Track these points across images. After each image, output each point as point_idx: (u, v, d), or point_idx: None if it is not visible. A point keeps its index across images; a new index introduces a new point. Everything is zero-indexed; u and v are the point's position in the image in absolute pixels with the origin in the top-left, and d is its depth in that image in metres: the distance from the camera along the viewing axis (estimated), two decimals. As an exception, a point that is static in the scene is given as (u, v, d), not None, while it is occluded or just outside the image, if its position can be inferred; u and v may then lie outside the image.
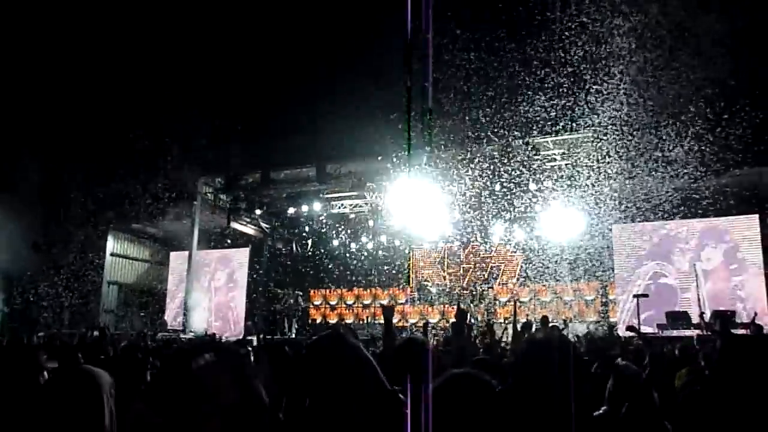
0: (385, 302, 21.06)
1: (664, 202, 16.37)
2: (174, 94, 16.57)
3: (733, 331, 12.13)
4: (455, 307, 18.89)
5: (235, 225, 21.15)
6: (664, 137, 14.06)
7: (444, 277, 21.26)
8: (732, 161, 13.81)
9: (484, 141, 15.94)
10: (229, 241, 22.55)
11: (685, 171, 14.37)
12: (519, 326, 13.54)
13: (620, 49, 13.34)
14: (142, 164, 18.14)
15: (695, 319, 13.73)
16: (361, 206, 20.86)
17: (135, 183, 19.17)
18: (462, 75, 14.41)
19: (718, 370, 2.65)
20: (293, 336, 19.02)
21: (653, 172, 14.81)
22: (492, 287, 20.05)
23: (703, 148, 13.93)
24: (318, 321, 22.44)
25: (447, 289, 20.84)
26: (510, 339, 13.80)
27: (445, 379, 1.68)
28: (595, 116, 14.42)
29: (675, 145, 14.17)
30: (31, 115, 17.89)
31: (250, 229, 22.04)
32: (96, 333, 13.57)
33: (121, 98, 18.23)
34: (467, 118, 15.74)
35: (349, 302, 22.77)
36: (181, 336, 18.07)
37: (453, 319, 10.97)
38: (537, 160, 16.19)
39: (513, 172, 16.56)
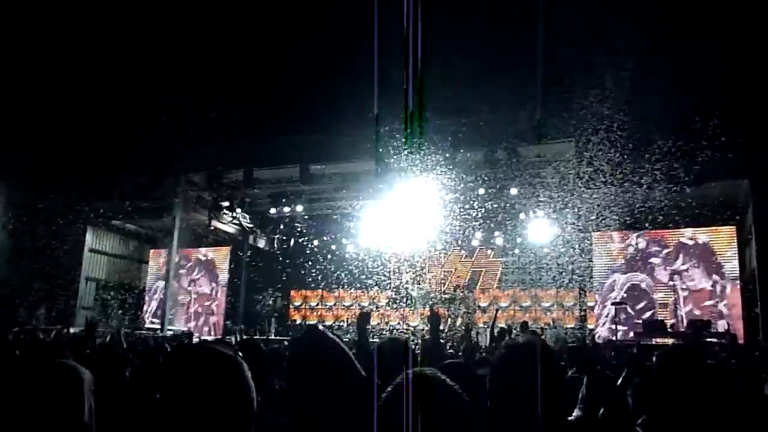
0: (365, 305, 21.09)
1: (644, 210, 16.58)
2: (157, 89, 16.47)
3: (708, 340, 12.35)
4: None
5: (216, 223, 21.04)
6: (645, 146, 14.25)
7: (425, 281, 21.32)
8: (709, 172, 14.05)
9: (468, 147, 16.07)
10: (209, 240, 22.42)
11: (665, 181, 14.57)
12: (496, 331, 13.67)
13: (603, 58, 13.51)
14: (124, 160, 18.00)
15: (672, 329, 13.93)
16: (344, 208, 20.85)
17: (116, 178, 19.02)
18: (447, 78, 14.50)
19: (657, 375, 2.72)
20: (272, 336, 18.98)
21: (636, 181, 15.01)
22: (472, 292, 20.14)
23: (682, 158, 14.15)
24: (297, 322, 22.38)
25: (428, 293, 20.89)
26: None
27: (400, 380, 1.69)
28: (577, 125, 14.59)
29: (656, 155, 14.37)
30: (9, 106, 17.66)
31: (231, 228, 21.94)
32: (72, 330, 13.44)
33: (105, 92, 18.09)
34: (452, 123, 15.86)
35: (330, 304, 22.76)
36: (160, 334, 17.95)
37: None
38: (519, 166, 16.32)
39: (496, 178, 16.70)
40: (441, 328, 5.53)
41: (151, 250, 24.15)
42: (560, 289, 19.26)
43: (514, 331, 14.04)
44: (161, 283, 21.90)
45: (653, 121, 13.74)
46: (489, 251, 20.32)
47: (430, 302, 20.52)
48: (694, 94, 12.91)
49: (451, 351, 9.62)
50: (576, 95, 13.89)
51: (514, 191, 16.78)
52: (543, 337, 15.55)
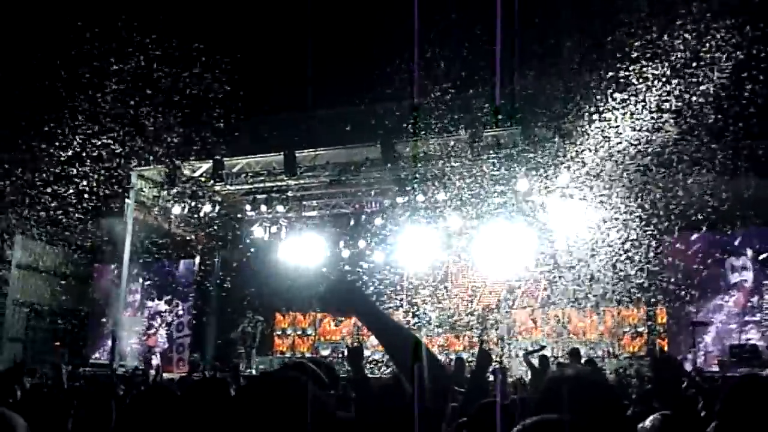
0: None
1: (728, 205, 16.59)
2: (101, 61, 16.52)
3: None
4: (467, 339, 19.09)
5: (178, 230, 21.06)
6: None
7: (446, 300, 21.26)
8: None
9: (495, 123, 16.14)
10: (170, 251, 22.42)
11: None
12: (537, 361, 13.70)
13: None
14: (60, 151, 18.02)
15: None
16: (341, 206, 20.84)
17: (49, 175, 19.04)
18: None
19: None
20: (253, 372, 18.96)
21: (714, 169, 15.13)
22: (508, 312, 20.10)
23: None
24: (285, 353, 22.37)
25: (450, 315, 20.84)
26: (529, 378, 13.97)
27: None
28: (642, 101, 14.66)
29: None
30: None
31: (197, 235, 21.95)
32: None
33: (34, 65, 18.13)
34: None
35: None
36: (109, 372, 17.98)
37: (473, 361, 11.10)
38: (566, 150, 16.33)
39: (537, 161, 16.73)
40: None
41: (97, 266, 24.15)
42: (621, 305, 19.19)
43: (556, 361, 14.06)
44: (110, 307, 21.94)
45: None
46: (527, 260, 20.23)
47: (454, 327, 20.54)
48: None
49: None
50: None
51: (564, 179, 16.75)
52: (602, 369, 15.56)
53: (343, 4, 17.94)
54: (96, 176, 18.84)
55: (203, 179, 19.86)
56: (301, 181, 19.39)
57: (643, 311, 18.37)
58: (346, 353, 5.50)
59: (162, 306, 23.22)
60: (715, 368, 14.26)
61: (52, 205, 19.94)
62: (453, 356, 17.86)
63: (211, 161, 19.34)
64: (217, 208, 20.79)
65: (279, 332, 23.11)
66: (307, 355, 21.79)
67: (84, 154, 18.12)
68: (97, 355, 22.36)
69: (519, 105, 15.82)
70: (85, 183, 18.79)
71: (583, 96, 14.96)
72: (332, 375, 4.30)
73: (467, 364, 14.85)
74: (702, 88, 13.90)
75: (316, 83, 17.00)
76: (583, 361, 14.03)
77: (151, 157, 19.19)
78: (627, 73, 14.17)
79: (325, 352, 21.70)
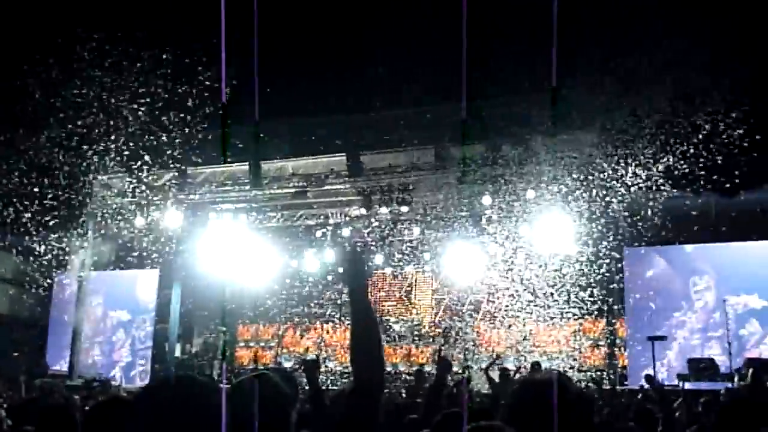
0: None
1: (686, 221, 16.83)
2: (59, 66, 16.31)
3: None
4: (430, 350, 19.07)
5: (140, 239, 20.82)
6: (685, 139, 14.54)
7: (410, 311, 21.28)
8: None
9: (465, 140, 16.14)
10: (133, 260, 22.15)
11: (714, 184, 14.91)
12: (497, 375, 13.73)
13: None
14: (17, 156, 17.75)
15: (724, 368, 14.05)
16: (306, 217, 20.77)
17: (7, 181, 18.71)
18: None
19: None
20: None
21: (673, 186, 15.32)
22: (470, 324, 20.14)
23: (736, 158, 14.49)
24: (247, 365, 22.18)
25: (414, 326, 20.85)
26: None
27: None
28: (604, 111, 14.78)
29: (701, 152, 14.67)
30: None
31: (160, 244, 21.72)
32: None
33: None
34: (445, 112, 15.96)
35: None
36: (68, 383, 17.71)
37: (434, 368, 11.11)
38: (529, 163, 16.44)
39: (500, 178, 16.80)
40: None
41: (57, 274, 23.80)
42: (583, 319, 19.34)
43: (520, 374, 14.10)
44: (70, 317, 21.58)
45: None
46: (492, 271, 20.30)
47: (419, 338, 20.55)
48: None
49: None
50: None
51: (531, 194, 16.87)
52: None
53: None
54: (57, 184, 18.58)
55: (167, 188, 19.67)
56: (267, 192, 19.29)
57: (603, 325, 18.50)
58: (301, 366, 5.55)
59: (125, 317, 22.92)
60: (676, 381, 14.38)
61: (11, 212, 19.62)
62: (415, 367, 17.93)
63: (174, 169, 19.16)
64: (181, 217, 20.59)
65: (241, 344, 22.95)
66: (271, 366, 21.64)
67: (44, 162, 17.88)
68: (57, 366, 21.95)
69: (485, 122, 15.84)
70: (45, 191, 18.52)
71: (544, 113, 15.04)
72: (294, 387, 4.23)
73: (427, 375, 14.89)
74: (664, 99, 14.04)
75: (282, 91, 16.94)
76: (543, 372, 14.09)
77: (114, 165, 18.97)
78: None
79: (287, 364, 21.55)
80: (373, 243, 19.74)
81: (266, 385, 2.63)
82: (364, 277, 2.79)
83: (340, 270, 2.74)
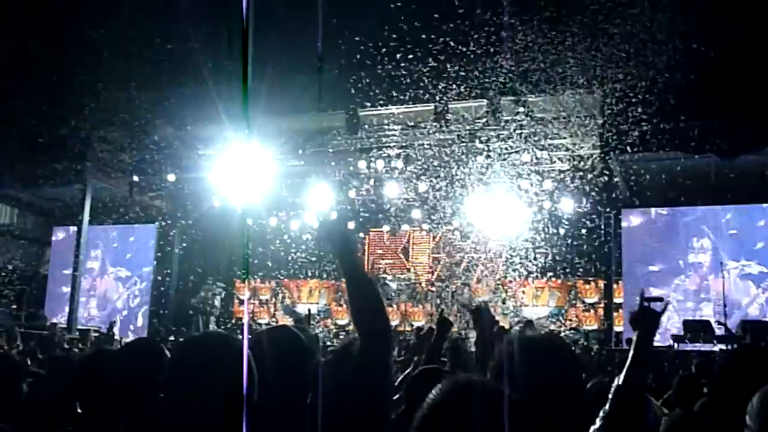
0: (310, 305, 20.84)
1: (689, 183, 16.77)
2: (59, 16, 16.11)
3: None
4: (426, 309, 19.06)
5: (138, 195, 20.74)
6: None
7: (408, 270, 21.27)
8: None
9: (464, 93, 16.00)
10: (131, 215, 22.10)
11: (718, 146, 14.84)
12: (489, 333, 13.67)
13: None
14: (16, 110, 17.57)
15: (720, 330, 14.04)
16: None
17: (6, 135, 18.55)
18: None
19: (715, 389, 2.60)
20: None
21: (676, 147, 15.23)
22: (468, 284, 20.13)
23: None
24: (243, 320, 22.20)
25: (411, 285, 20.86)
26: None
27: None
28: (606, 72, 14.59)
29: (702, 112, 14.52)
30: None
31: (158, 201, 21.65)
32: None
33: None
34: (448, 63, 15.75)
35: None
36: (66, 335, 17.71)
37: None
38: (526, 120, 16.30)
39: (497, 137, 16.67)
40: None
41: (55, 228, 23.81)
42: (579, 280, 19.33)
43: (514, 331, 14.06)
44: (69, 271, 21.58)
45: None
46: (488, 231, 20.23)
47: (415, 297, 20.55)
48: None
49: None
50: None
51: (526, 158, 16.77)
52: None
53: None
54: (55, 137, 18.43)
55: (167, 142, 19.50)
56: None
57: (601, 285, 18.46)
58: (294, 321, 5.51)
59: (123, 272, 22.96)
60: (670, 342, 14.40)
61: (9, 165, 19.52)
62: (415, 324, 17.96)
63: (173, 123, 18.97)
64: (179, 172, 20.44)
65: (238, 300, 22.99)
66: (267, 321, 21.70)
67: (43, 114, 17.71)
68: (55, 320, 22.00)
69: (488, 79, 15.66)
70: (43, 144, 18.37)
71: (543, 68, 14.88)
72: (313, 339, 4.14)
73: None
74: (657, 64, 13.83)
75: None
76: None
77: (114, 119, 18.81)
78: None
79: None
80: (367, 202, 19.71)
81: (285, 338, 2.67)
82: (350, 240, 2.67)
83: (325, 236, 2.63)
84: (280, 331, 2.81)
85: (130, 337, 19.31)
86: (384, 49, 14.77)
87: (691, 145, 15.18)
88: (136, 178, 20.25)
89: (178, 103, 18.45)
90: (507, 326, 14.87)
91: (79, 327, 19.49)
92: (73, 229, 21.40)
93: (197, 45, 16.14)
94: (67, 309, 20.59)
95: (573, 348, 2.52)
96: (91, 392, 2.95)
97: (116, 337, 18.42)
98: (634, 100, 14.39)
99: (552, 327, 18.45)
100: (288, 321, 17.84)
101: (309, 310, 17.95)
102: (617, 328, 16.65)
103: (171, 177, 20.03)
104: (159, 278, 22.23)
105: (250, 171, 19.17)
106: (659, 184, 17.14)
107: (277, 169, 18.41)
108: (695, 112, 14.48)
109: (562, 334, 17.33)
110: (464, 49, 14.65)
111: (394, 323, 19.51)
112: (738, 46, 13.57)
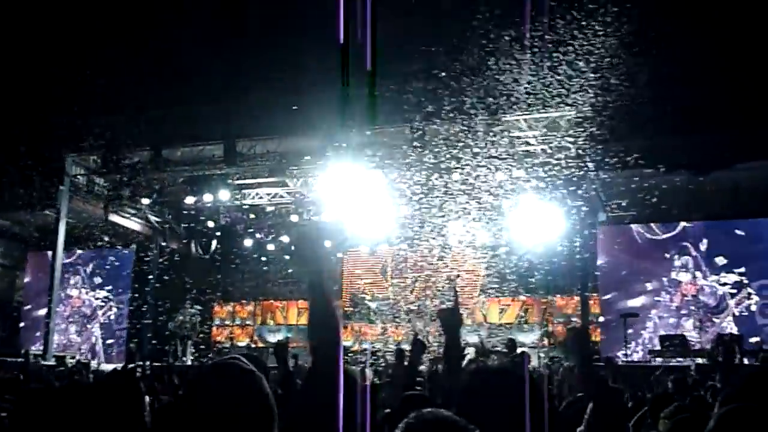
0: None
1: (663, 199, 16.88)
2: (35, 43, 16.07)
3: (741, 360, 12.53)
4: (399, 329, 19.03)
5: (114, 218, 20.64)
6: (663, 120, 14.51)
7: (386, 288, 21.26)
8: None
9: (441, 118, 16.04)
10: (106, 239, 22.00)
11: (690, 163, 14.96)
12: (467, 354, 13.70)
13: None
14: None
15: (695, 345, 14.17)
16: (281, 196, 20.64)
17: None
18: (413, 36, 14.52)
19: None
20: (188, 362, 18.75)
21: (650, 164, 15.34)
22: (445, 303, 20.11)
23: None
24: (222, 343, 22.13)
25: (390, 304, 20.84)
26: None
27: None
28: (580, 91, 14.71)
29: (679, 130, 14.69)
30: None
31: (134, 224, 21.54)
32: None
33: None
34: (420, 88, 15.80)
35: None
36: (42, 363, 17.54)
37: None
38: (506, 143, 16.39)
39: (476, 158, 16.71)
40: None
41: (30, 253, 23.61)
42: (557, 296, 19.42)
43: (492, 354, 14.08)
44: (43, 297, 21.39)
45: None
46: (468, 250, 20.30)
47: (394, 316, 20.53)
48: None
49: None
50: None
51: (502, 176, 16.82)
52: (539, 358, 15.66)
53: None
54: (29, 162, 18.36)
55: (141, 167, 19.43)
56: (241, 170, 19.13)
57: (577, 301, 18.54)
58: (273, 349, 5.57)
59: (100, 296, 22.81)
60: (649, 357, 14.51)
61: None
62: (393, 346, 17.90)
63: (148, 149, 18.92)
64: (155, 196, 20.44)
65: (217, 323, 22.92)
66: (247, 344, 21.67)
67: (17, 139, 17.66)
68: (33, 348, 21.79)
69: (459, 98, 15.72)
70: (18, 168, 18.30)
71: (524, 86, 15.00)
72: (262, 368, 4.11)
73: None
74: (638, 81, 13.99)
75: (258, 78, 16.84)
76: (519, 350, 14.13)
77: (88, 143, 18.74)
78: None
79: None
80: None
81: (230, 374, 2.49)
82: (321, 260, 2.64)
83: (297, 253, 2.58)
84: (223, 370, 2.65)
85: (107, 365, 19.21)
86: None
87: (664, 162, 15.32)
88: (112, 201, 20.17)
89: (155, 127, 18.45)
90: (481, 345, 14.94)
91: (55, 353, 19.27)
92: (48, 254, 21.24)
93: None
94: (42, 337, 20.40)
95: (534, 375, 2.52)
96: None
97: (93, 364, 18.28)
98: (607, 121, 14.52)
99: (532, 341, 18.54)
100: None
101: (287, 337, 17.89)
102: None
103: (145, 201, 20.08)
104: (135, 303, 22.10)
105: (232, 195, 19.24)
106: (635, 201, 17.25)
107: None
108: (666, 129, 14.65)
109: (550, 354, 17.47)
110: (439, 72, 14.79)
111: (377, 344, 19.56)
112: (709, 64, 13.76)
